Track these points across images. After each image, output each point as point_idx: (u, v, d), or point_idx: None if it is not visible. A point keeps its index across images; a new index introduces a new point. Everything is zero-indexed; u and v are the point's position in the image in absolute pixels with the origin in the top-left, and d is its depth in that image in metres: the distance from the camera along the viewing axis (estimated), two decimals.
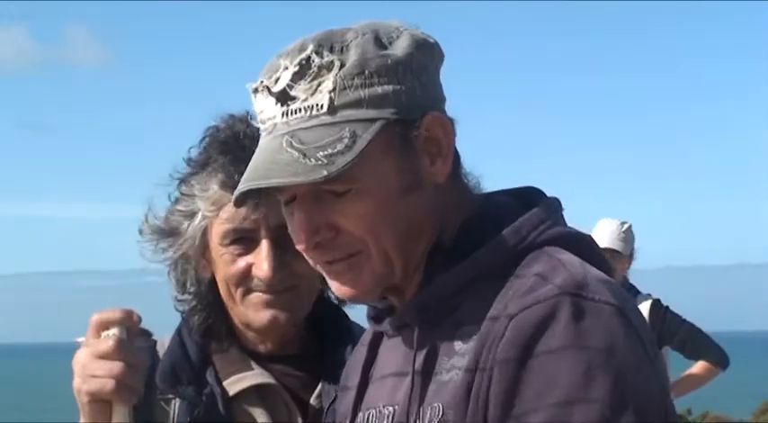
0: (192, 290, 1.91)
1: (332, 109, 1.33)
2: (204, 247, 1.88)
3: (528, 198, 1.43)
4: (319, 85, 1.34)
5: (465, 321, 1.33)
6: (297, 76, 1.35)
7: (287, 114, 1.35)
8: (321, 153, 1.31)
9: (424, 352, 1.36)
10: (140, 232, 1.94)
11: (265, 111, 1.37)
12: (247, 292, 1.84)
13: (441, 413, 1.30)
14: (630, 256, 5.40)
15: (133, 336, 1.60)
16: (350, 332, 1.92)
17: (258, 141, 1.44)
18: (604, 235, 5.33)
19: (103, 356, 1.56)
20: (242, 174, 1.71)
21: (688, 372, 5.50)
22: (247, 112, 1.89)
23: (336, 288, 1.40)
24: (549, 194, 1.45)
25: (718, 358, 5.42)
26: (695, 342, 5.38)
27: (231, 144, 1.85)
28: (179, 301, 1.94)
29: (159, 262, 1.94)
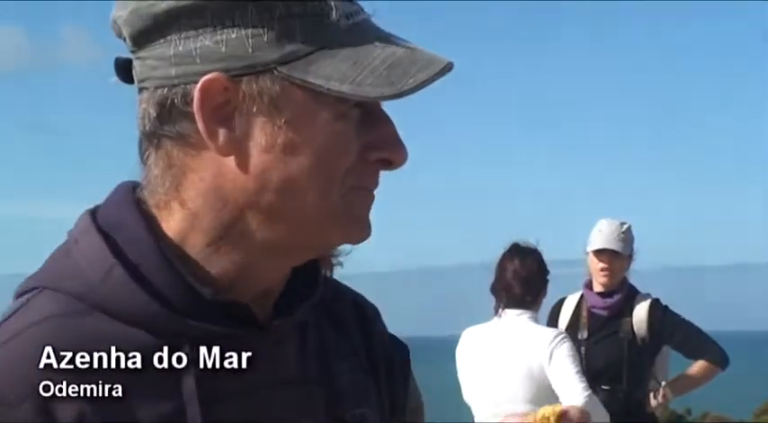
0: None
1: None
2: None
3: None
4: None
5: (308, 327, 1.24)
6: None
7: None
8: None
9: (314, 355, 1.23)
10: None
11: (347, 6, 1.14)
12: None
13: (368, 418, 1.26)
14: (630, 257, 5.41)
15: None
16: None
17: None
18: (604, 235, 5.34)
19: None
20: None
21: (687, 371, 5.50)
22: None
23: (362, 224, 1.17)
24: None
25: (718, 357, 5.42)
26: (695, 341, 5.38)
27: None
28: None
29: None
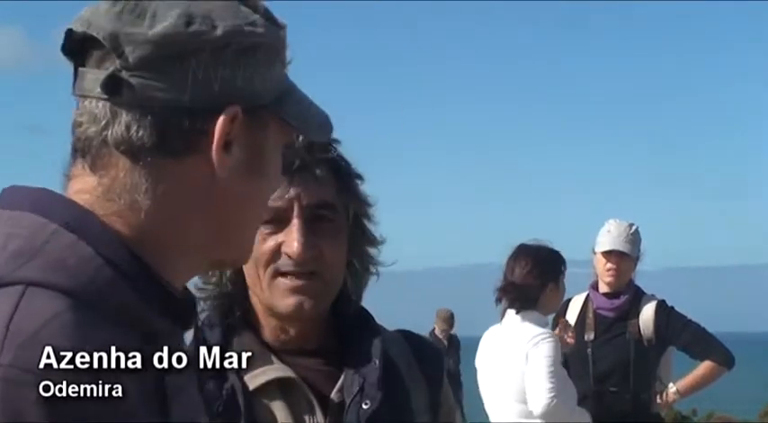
0: (213, 279, 1.93)
1: None
2: None
3: None
4: None
5: None
6: None
7: None
8: None
9: None
10: None
11: None
12: (275, 275, 1.85)
13: None
14: (637, 258, 5.40)
15: None
16: (375, 329, 1.92)
17: None
18: (612, 236, 5.32)
19: None
20: None
21: (693, 372, 5.49)
22: None
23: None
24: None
25: (724, 358, 5.41)
26: (701, 342, 5.38)
27: None
28: (199, 289, 1.94)
29: None
